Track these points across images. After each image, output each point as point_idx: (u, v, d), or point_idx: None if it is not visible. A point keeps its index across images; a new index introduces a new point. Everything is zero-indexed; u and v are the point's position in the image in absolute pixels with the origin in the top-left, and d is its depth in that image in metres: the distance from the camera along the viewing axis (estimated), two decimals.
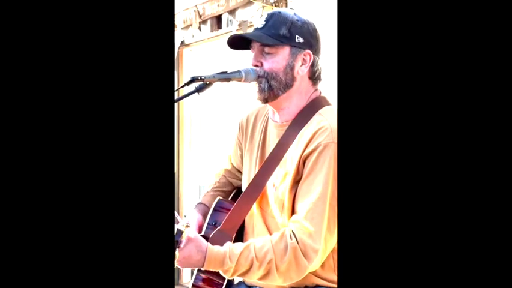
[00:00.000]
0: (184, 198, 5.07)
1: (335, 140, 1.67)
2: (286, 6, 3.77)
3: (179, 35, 4.84)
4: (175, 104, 1.48)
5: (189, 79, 1.69)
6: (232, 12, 4.33)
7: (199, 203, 2.01)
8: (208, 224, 1.90)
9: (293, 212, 1.72)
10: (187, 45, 4.86)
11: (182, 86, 1.72)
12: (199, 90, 1.70)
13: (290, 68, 1.77)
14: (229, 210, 1.84)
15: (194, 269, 1.84)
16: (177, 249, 1.63)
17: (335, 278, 1.74)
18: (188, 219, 1.80)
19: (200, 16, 4.60)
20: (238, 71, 1.75)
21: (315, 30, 1.81)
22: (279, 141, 1.80)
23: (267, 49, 1.76)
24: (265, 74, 1.75)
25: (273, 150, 1.80)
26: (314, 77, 1.81)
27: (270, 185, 1.78)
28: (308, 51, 1.78)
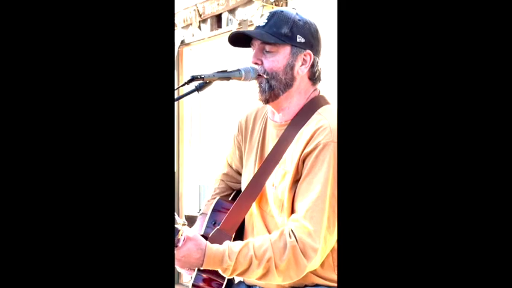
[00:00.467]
0: (184, 197, 5.07)
1: (334, 139, 1.67)
2: (286, 5, 3.77)
3: (179, 34, 4.85)
4: (175, 103, 1.48)
5: (189, 78, 1.69)
6: (232, 11, 4.34)
7: (202, 213, 2.01)
8: (207, 223, 1.90)
9: (292, 211, 1.72)
10: (187, 44, 4.87)
11: (182, 85, 1.72)
12: (199, 89, 1.70)
13: (290, 67, 1.76)
14: (228, 210, 1.84)
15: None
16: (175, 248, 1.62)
17: (334, 277, 1.74)
18: (185, 220, 1.79)
19: (200, 15, 4.60)
20: (238, 70, 1.74)
21: (316, 31, 1.80)
22: (278, 141, 1.80)
23: (267, 47, 1.76)
24: (265, 72, 1.75)
25: (272, 149, 1.80)
26: (314, 77, 1.81)
27: (269, 184, 1.78)
28: (309, 51, 1.77)
